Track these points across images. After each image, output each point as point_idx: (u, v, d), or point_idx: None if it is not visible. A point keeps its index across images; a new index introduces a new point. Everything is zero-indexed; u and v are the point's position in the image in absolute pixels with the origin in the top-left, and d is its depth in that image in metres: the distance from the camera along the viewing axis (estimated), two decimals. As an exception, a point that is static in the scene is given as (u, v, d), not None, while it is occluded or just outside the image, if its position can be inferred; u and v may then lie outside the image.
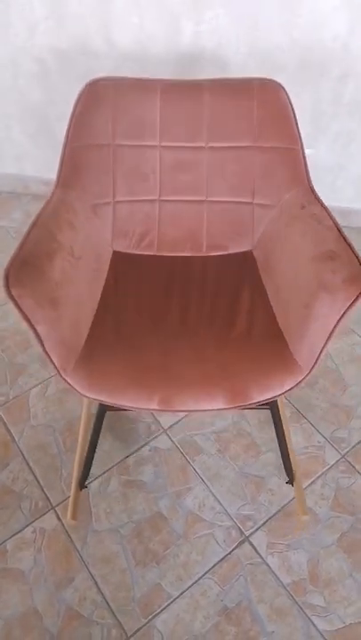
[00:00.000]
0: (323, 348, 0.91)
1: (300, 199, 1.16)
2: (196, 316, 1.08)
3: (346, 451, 1.35)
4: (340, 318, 0.85)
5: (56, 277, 0.89)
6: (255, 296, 1.14)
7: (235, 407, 0.96)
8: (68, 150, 1.19)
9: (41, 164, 2.07)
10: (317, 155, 1.82)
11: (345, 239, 0.95)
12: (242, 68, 1.60)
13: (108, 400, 0.96)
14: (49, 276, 0.87)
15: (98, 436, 1.30)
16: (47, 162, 2.05)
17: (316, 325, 0.89)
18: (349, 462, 1.33)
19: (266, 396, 0.96)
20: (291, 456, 1.27)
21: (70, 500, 1.21)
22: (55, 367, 0.94)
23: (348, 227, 2.03)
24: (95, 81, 1.19)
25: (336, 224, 1.02)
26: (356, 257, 0.89)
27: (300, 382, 0.97)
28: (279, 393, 0.97)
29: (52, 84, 1.79)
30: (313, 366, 0.95)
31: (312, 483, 1.29)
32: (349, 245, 0.93)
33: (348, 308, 0.84)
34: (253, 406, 0.99)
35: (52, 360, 0.93)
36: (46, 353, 0.91)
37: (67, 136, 1.19)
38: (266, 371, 0.96)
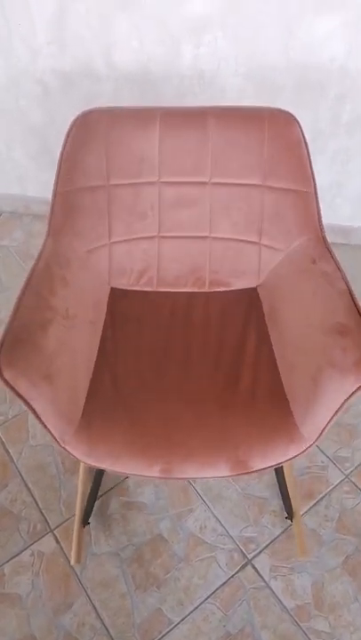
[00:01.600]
0: (328, 422, 0.88)
1: (310, 250, 1.10)
2: (199, 372, 1.03)
3: (350, 471, 1.33)
4: (349, 397, 0.83)
5: (51, 349, 0.85)
6: (260, 346, 1.08)
7: (237, 475, 0.94)
8: (59, 196, 1.13)
9: (42, 184, 2.09)
10: (316, 173, 1.83)
11: (357, 308, 0.90)
12: (241, 89, 1.63)
13: (109, 468, 0.93)
14: (43, 350, 0.83)
15: (99, 485, 1.27)
16: (48, 182, 2.05)
17: (323, 402, 0.86)
18: (353, 482, 1.31)
19: (268, 464, 0.93)
20: (291, 495, 1.24)
21: (74, 541, 1.17)
22: (54, 438, 0.91)
23: (348, 244, 2.04)
24: (87, 112, 1.11)
25: (348, 287, 0.96)
26: None
27: (303, 452, 0.94)
28: (282, 461, 0.94)
29: (53, 105, 1.81)
30: (317, 438, 0.92)
31: (316, 504, 1.27)
32: None
33: (358, 389, 0.81)
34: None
35: (50, 432, 0.90)
36: (44, 426, 0.88)
37: (57, 179, 1.12)
38: (269, 440, 0.92)
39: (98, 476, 1.28)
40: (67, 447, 0.92)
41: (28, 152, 2.00)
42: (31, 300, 0.92)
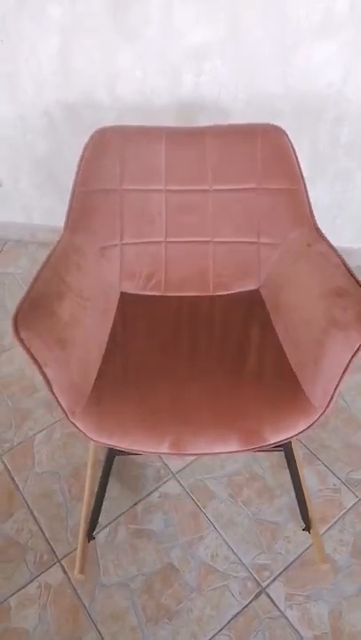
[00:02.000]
0: (337, 385, 0.89)
1: (305, 237, 1.17)
2: (206, 356, 1.06)
3: (363, 493, 1.30)
4: (354, 354, 0.84)
5: (65, 318, 0.89)
6: (264, 334, 1.12)
7: (248, 450, 0.93)
8: (77, 195, 1.22)
9: (48, 212, 2.12)
10: (317, 195, 1.86)
11: (353, 275, 0.95)
12: (241, 115, 1.66)
13: (118, 445, 0.94)
14: (58, 316, 0.87)
15: (106, 485, 1.26)
16: (54, 211, 2.10)
17: (329, 362, 0.88)
18: (367, 505, 1.28)
19: (280, 437, 0.94)
20: (307, 501, 1.22)
21: (78, 553, 1.16)
22: (63, 410, 0.92)
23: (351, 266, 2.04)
24: (103, 129, 1.23)
25: (343, 261, 1.02)
26: None
27: (314, 422, 0.95)
28: (293, 434, 0.94)
29: (58, 136, 1.85)
30: (328, 405, 0.92)
31: (330, 528, 1.23)
32: (358, 281, 0.93)
33: None
34: (267, 448, 0.96)
35: (60, 403, 0.91)
36: (54, 396, 0.89)
37: (75, 182, 1.22)
38: (279, 411, 0.94)
39: (103, 479, 1.25)
40: (76, 422, 0.93)
41: (34, 182, 2.03)
42: (48, 274, 0.97)
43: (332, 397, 0.91)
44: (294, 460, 1.25)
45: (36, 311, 0.85)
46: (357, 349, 0.83)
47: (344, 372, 0.86)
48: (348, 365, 0.85)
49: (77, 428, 0.94)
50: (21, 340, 0.80)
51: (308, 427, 0.95)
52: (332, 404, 0.92)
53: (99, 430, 0.93)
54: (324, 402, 0.92)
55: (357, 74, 1.53)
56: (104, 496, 1.25)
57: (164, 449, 0.92)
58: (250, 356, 1.06)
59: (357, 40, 1.46)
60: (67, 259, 1.06)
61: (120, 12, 1.51)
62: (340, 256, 1.04)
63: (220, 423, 0.93)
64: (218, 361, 1.05)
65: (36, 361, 0.83)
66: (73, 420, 0.93)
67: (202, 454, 0.95)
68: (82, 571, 1.14)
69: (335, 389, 0.90)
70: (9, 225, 2.21)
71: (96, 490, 1.24)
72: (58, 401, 0.90)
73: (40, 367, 0.84)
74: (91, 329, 1.01)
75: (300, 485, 1.23)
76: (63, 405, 0.91)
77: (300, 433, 0.95)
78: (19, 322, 0.81)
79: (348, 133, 1.67)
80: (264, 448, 0.95)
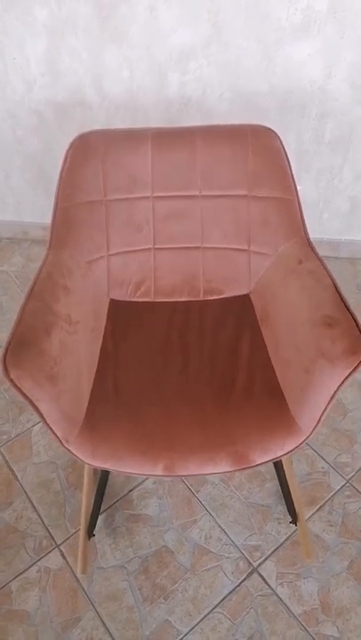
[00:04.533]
0: (323, 412, 0.91)
1: (296, 252, 1.16)
2: (196, 375, 1.06)
3: (350, 475, 1.35)
4: (340, 385, 0.86)
5: (54, 352, 0.88)
6: (254, 345, 1.13)
7: (238, 470, 0.96)
8: (59, 210, 1.18)
9: (39, 210, 2.15)
10: (303, 191, 1.90)
11: (343, 301, 0.94)
12: (226, 113, 1.70)
13: (113, 469, 0.95)
14: (47, 352, 0.86)
15: (103, 493, 1.29)
16: (45, 208, 2.13)
17: (316, 391, 0.90)
18: (355, 487, 1.32)
19: (267, 458, 0.96)
20: (293, 497, 1.26)
21: (79, 553, 1.17)
22: (58, 439, 0.93)
23: (337, 257, 2.09)
24: (84, 135, 1.19)
25: (334, 282, 1.00)
26: (356, 323, 0.88)
27: (300, 444, 0.97)
28: (280, 454, 0.96)
29: (49, 134, 1.89)
30: (314, 429, 0.95)
31: (319, 509, 1.28)
32: (348, 308, 0.92)
33: (348, 375, 0.84)
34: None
35: (54, 433, 0.92)
36: (48, 427, 0.90)
37: (57, 195, 1.18)
38: (267, 434, 0.95)
39: (101, 485, 1.29)
40: (70, 448, 0.94)
41: (26, 180, 2.06)
42: (35, 305, 0.95)
43: (318, 422, 0.93)
44: (282, 468, 1.29)
45: (24, 349, 0.83)
46: (343, 381, 0.85)
47: (331, 400, 0.88)
48: (334, 395, 0.87)
49: (72, 453, 0.95)
50: (12, 381, 0.80)
51: (295, 448, 0.96)
52: (318, 428, 0.94)
53: (93, 456, 0.94)
54: (311, 425, 0.94)
55: (338, 71, 1.57)
56: (102, 498, 1.28)
57: (158, 472, 0.94)
58: (239, 372, 1.06)
59: (336, 38, 1.50)
60: (53, 283, 1.03)
61: (105, 13, 1.54)
62: (330, 275, 1.03)
63: (210, 448, 0.94)
64: (208, 380, 1.05)
65: (28, 399, 0.84)
66: (67, 447, 0.94)
67: (193, 475, 0.97)
68: (84, 570, 1.16)
69: (321, 416, 0.92)
70: (1, 223, 2.24)
71: (94, 494, 1.28)
72: (52, 431, 0.91)
73: (32, 403, 0.85)
74: (81, 352, 1.01)
75: (287, 485, 1.27)
76: (58, 435, 0.92)
77: (286, 454, 0.97)
78: (8, 362, 0.80)
79: (332, 129, 1.72)
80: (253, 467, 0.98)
